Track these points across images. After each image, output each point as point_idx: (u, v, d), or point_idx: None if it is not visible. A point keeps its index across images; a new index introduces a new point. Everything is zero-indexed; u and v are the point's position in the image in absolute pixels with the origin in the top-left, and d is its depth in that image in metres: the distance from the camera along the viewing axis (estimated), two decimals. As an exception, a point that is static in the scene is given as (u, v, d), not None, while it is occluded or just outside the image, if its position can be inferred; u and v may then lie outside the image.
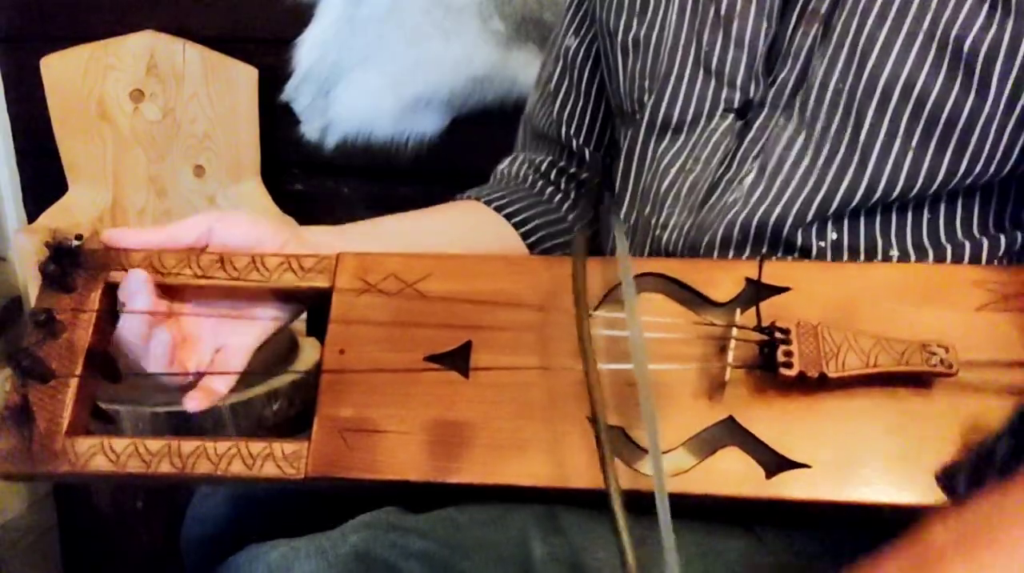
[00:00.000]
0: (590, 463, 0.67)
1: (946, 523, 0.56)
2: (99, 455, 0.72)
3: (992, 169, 0.78)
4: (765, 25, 0.84)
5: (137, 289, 0.75)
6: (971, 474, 0.64)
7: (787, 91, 0.83)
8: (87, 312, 0.76)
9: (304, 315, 1.06)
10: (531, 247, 1.00)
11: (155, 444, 0.72)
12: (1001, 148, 0.78)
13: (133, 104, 1.86)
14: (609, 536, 0.63)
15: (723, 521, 0.73)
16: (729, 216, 0.83)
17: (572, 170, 1.05)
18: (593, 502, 0.66)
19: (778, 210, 0.81)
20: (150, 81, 1.85)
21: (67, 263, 0.77)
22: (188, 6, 1.86)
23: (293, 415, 1.60)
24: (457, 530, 0.69)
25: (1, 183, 2.03)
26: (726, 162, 0.85)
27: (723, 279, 0.75)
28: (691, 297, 0.75)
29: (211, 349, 0.79)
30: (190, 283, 0.77)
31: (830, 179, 0.80)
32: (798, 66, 0.82)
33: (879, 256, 0.81)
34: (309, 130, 1.81)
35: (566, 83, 1.04)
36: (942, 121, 0.77)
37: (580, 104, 1.04)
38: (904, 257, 0.81)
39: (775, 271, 0.75)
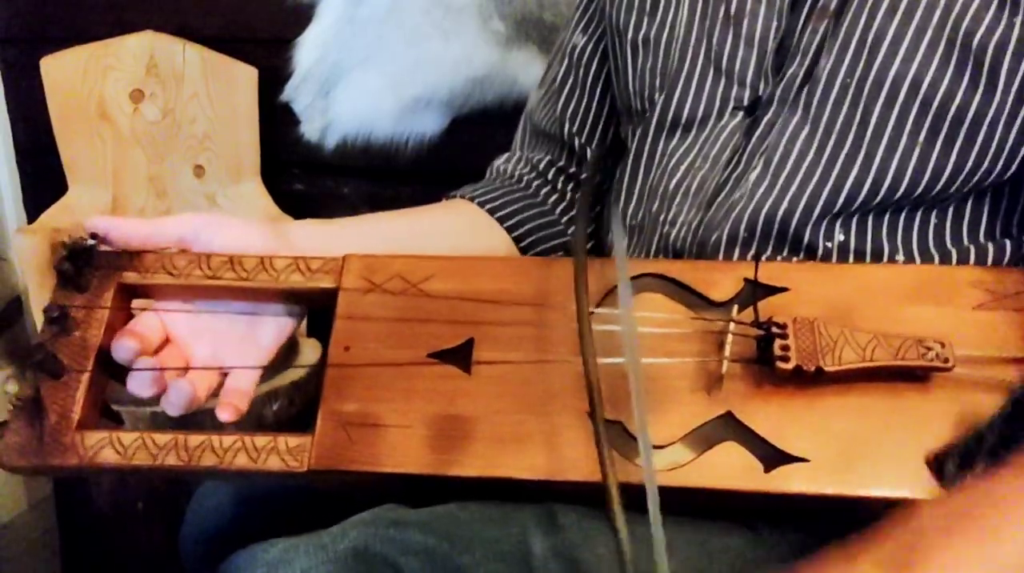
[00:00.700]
0: (589, 456, 0.67)
1: (932, 508, 0.57)
2: (107, 448, 0.74)
3: (999, 167, 0.79)
4: (775, 23, 0.85)
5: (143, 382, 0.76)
6: (961, 459, 0.65)
7: (795, 86, 0.83)
8: (100, 311, 0.77)
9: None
10: (523, 250, 1.00)
11: (162, 437, 0.74)
12: (1009, 145, 0.78)
13: (133, 104, 1.86)
14: (609, 533, 0.63)
15: (722, 518, 0.73)
16: (736, 213, 0.83)
17: (571, 170, 1.05)
18: (593, 498, 0.67)
19: (784, 205, 0.81)
20: (150, 81, 1.85)
21: (81, 262, 0.78)
22: (188, 6, 1.87)
23: (293, 415, 1.61)
24: (457, 525, 0.70)
25: (1, 183, 2.03)
26: (734, 160, 0.86)
27: (721, 279, 0.76)
28: (689, 297, 0.76)
29: (216, 372, 0.79)
30: (201, 284, 0.78)
31: (836, 173, 0.81)
32: (807, 61, 0.83)
33: (885, 260, 0.81)
34: (309, 130, 1.81)
35: (571, 81, 1.05)
36: (949, 117, 0.78)
37: (584, 102, 1.04)
38: (910, 261, 0.81)
39: (773, 272, 0.76)
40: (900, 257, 0.81)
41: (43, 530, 1.91)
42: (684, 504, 0.70)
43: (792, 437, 0.69)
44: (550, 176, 1.05)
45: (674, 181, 0.89)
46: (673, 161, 0.90)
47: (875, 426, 0.69)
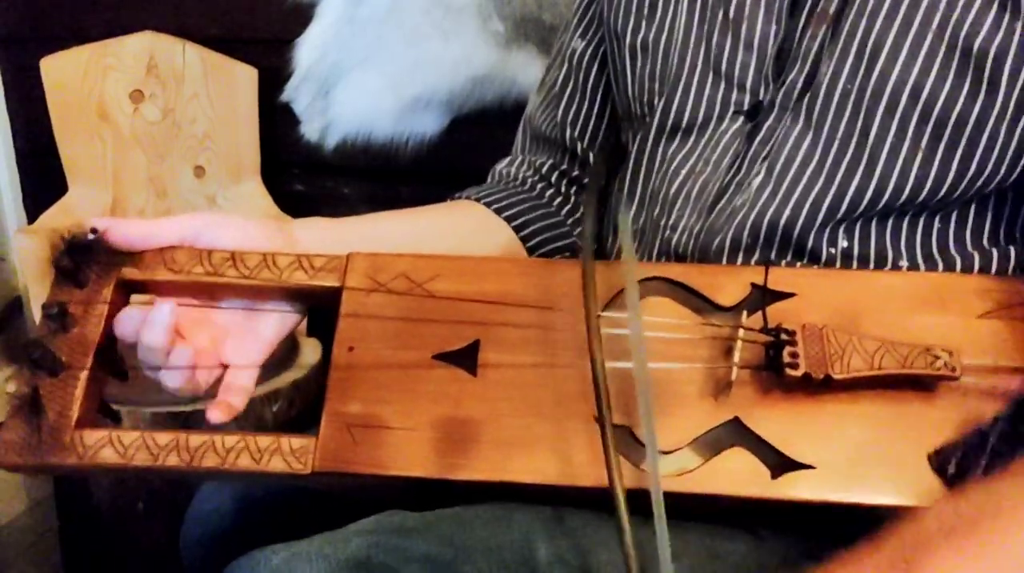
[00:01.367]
0: (596, 461, 0.67)
1: (935, 513, 0.57)
2: (107, 447, 0.73)
3: (1002, 172, 0.78)
4: (774, 27, 0.85)
5: (162, 317, 0.75)
6: (963, 457, 0.65)
7: (796, 92, 0.83)
8: (99, 307, 0.77)
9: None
10: (530, 251, 1.00)
11: (163, 437, 0.73)
12: (1011, 151, 0.78)
13: (133, 104, 1.86)
14: (614, 538, 0.63)
15: (728, 524, 0.73)
16: (738, 219, 0.83)
17: (574, 173, 1.04)
18: (598, 503, 0.67)
19: (787, 212, 0.81)
20: (150, 81, 1.85)
21: (81, 258, 0.77)
22: (188, 6, 1.86)
23: (293, 416, 1.60)
24: (461, 530, 0.70)
25: (1, 183, 2.03)
26: (736, 164, 0.85)
27: (729, 284, 0.76)
28: (697, 301, 0.76)
29: (217, 366, 0.79)
30: (202, 280, 0.78)
31: (839, 180, 0.80)
32: (807, 67, 0.83)
33: (888, 266, 0.81)
34: (309, 130, 1.81)
35: (571, 85, 1.04)
36: (951, 123, 0.77)
37: (585, 107, 1.04)
38: (914, 267, 0.81)
39: (780, 278, 0.75)
40: (904, 263, 0.81)
41: (43, 530, 1.91)
42: (691, 509, 0.70)
43: (799, 444, 0.68)
44: (553, 179, 1.05)
45: (675, 186, 0.89)
46: (674, 166, 0.89)
47: (882, 434, 0.69)
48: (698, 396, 0.71)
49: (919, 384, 0.70)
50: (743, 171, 0.85)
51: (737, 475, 0.68)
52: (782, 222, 0.82)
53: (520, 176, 1.06)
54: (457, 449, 0.71)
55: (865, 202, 0.80)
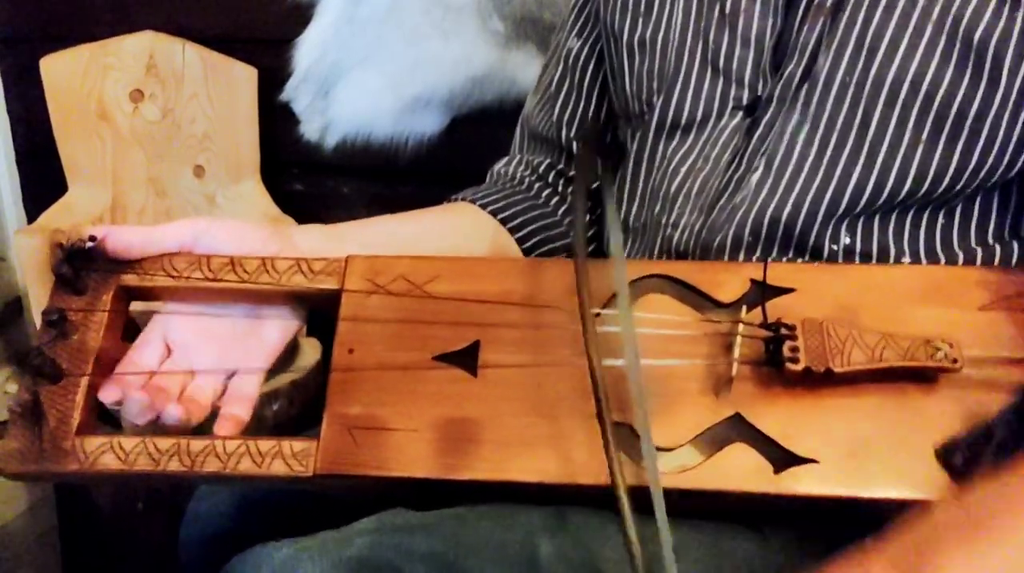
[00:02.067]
0: (597, 459, 0.67)
1: (944, 510, 0.57)
2: (108, 453, 0.73)
3: (1004, 164, 0.78)
4: (771, 21, 0.85)
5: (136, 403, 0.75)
6: (969, 451, 0.65)
7: (793, 85, 0.83)
8: (99, 314, 0.77)
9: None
10: (526, 252, 1.00)
11: (164, 442, 0.73)
12: (1013, 142, 0.78)
13: (133, 104, 1.85)
14: (617, 535, 0.63)
15: (731, 521, 0.73)
16: (739, 216, 0.83)
17: (571, 173, 1.04)
18: (600, 501, 0.66)
19: (788, 207, 0.81)
20: (150, 81, 1.84)
21: (80, 265, 0.77)
22: (188, 6, 1.86)
23: (293, 415, 1.60)
24: (463, 528, 0.70)
25: (1, 183, 2.03)
26: (735, 161, 0.85)
27: (728, 280, 0.76)
28: (696, 298, 0.76)
29: (221, 379, 0.79)
30: (201, 286, 0.78)
31: (839, 174, 0.80)
32: (804, 60, 0.82)
33: (891, 262, 0.81)
34: (309, 130, 1.81)
35: (567, 85, 1.04)
36: (951, 115, 0.77)
37: (581, 106, 1.04)
38: (916, 263, 0.81)
39: (780, 273, 0.75)
40: (906, 259, 0.81)
41: (43, 530, 1.91)
42: (694, 506, 0.70)
43: (801, 438, 0.68)
44: (550, 179, 1.05)
45: (675, 183, 0.88)
46: (674, 163, 0.89)
47: (884, 427, 0.69)
48: (699, 392, 0.72)
49: (920, 376, 0.70)
50: (743, 167, 0.84)
51: (739, 471, 0.68)
52: (783, 218, 0.81)
53: (518, 176, 1.06)
54: (458, 449, 0.71)
55: (866, 196, 0.80)
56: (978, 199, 0.81)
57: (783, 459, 0.68)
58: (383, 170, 1.82)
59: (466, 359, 0.74)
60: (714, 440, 0.70)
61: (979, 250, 0.81)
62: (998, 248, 0.81)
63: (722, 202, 0.85)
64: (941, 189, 0.79)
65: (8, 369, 1.92)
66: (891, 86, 0.78)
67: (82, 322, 0.76)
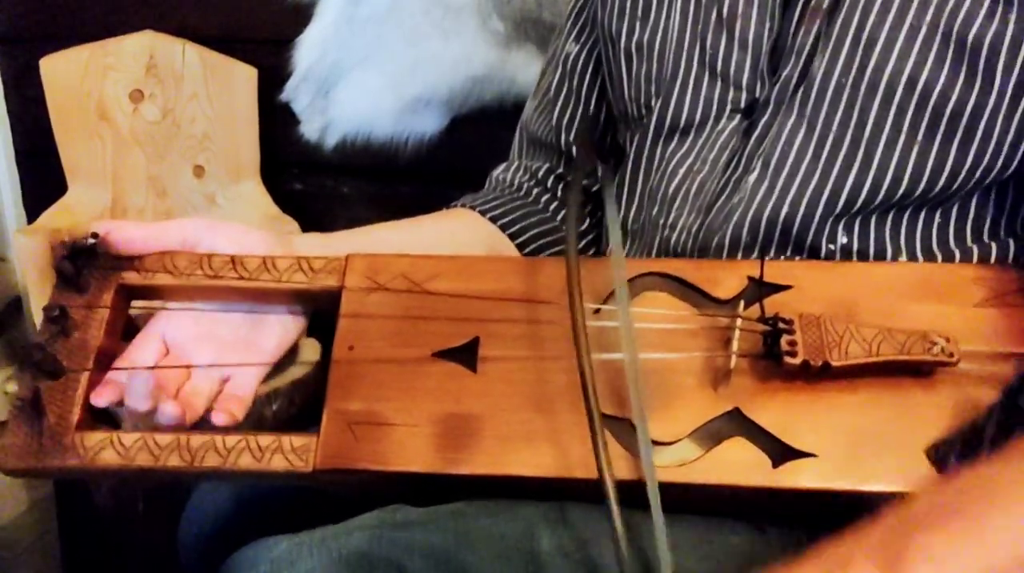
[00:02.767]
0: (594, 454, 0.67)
1: (925, 497, 0.58)
2: (108, 449, 0.73)
3: (1000, 163, 0.79)
4: (768, 24, 0.85)
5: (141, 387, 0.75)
6: (962, 449, 0.66)
7: (790, 88, 0.83)
8: (99, 311, 0.77)
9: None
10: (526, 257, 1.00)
11: (164, 438, 0.73)
12: (1008, 141, 0.78)
13: (132, 104, 1.85)
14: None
15: (728, 517, 0.74)
16: (736, 217, 0.83)
17: (571, 177, 1.05)
18: (599, 495, 0.66)
19: (785, 208, 0.81)
20: (149, 81, 1.84)
21: (81, 262, 0.78)
22: (188, 6, 1.86)
23: (293, 414, 1.60)
24: (463, 522, 0.70)
25: (1, 183, 2.03)
26: (733, 162, 0.86)
27: (726, 278, 0.76)
28: (694, 295, 0.76)
29: (217, 379, 0.79)
30: (202, 284, 0.78)
31: (835, 174, 0.81)
32: (801, 62, 0.83)
33: (888, 261, 0.81)
34: (309, 130, 1.81)
35: (565, 90, 1.05)
36: (947, 115, 0.78)
37: (580, 111, 1.04)
38: (913, 261, 0.81)
39: (777, 270, 0.76)
40: (904, 258, 0.81)
41: (43, 530, 1.91)
42: (692, 501, 0.70)
43: (799, 432, 0.69)
44: (549, 184, 1.05)
45: (673, 185, 0.89)
46: (672, 165, 0.90)
47: (881, 421, 0.69)
48: (697, 387, 0.72)
49: (917, 371, 0.70)
50: (740, 169, 0.85)
51: (738, 465, 0.68)
52: (780, 219, 0.82)
53: (516, 182, 1.06)
54: (458, 444, 0.71)
55: (863, 196, 0.80)
56: (974, 198, 0.81)
57: (781, 453, 0.68)
58: (383, 170, 1.82)
59: (466, 355, 0.75)
60: (712, 434, 0.70)
61: (975, 248, 0.81)
62: (994, 246, 0.81)
63: (719, 203, 0.85)
64: (937, 189, 0.79)
65: (8, 369, 1.92)
66: (887, 87, 0.79)
67: (83, 319, 0.77)
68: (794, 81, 0.83)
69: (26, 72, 1.90)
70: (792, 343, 0.69)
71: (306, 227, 1.78)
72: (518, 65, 1.66)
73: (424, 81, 1.70)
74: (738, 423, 0.70)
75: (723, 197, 0.85)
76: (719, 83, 0.87)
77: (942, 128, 0.78)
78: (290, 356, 1.69)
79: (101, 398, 0.74)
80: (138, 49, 1.84)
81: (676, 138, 0.90)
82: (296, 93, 1.79)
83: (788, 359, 0.69)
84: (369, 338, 0.76)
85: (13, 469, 0.73)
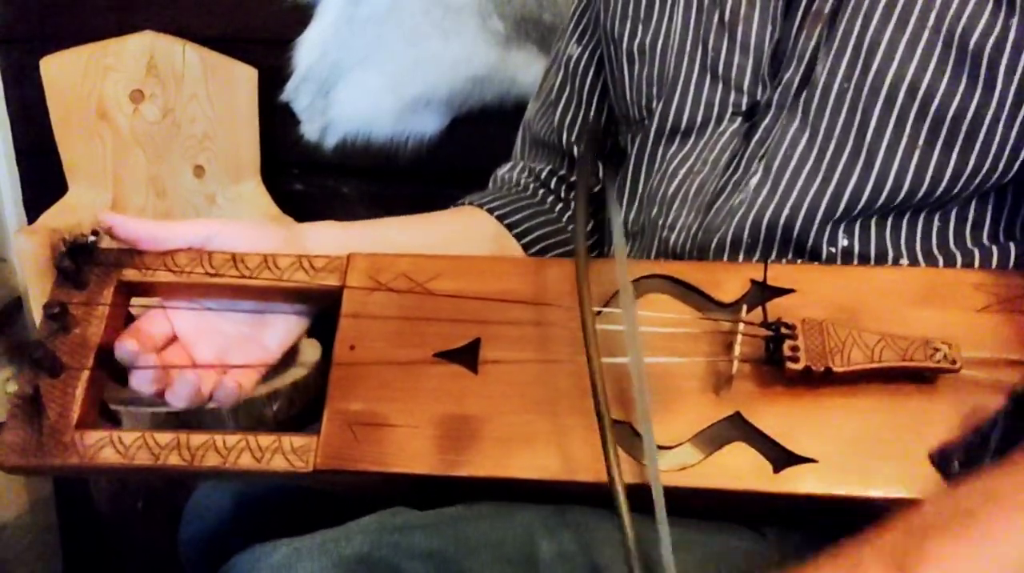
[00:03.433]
0: (597, 457, 0.67)
1: (934, 504, 0.58)
2: (108, 447, 0.73)
3: (1001, 168, 0.79)
4: (769, 28, 0.85)
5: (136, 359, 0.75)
6: (965, 455, 0.66)
7: (792, 91, 0.83)
8: (99, 308, 0.77)
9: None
10: (532, 256, 1.00)
11: (164, 437, 0.73)
12: (1009, 146, 0.78)
13: (133, 105, 1.85)
14: (616, 533, 0.63)
15: (730, 521, 0.73)
16: (737, 218, 0.83)
17: (573, 178, 1.05)
18: (600, 498, 0.66)
19: (786, 211, 0.81)
20: (150, 82, 1.84)
21: (81, 259, 0.77)
22: (188, 6, 1.86)
23: (294, 415, 1.60)
24: (463, 526, 0.70)
25: (1, 183, 2.02)
26: (733, 164, 0.86)
27: (728, 281, 0.76)
28: (697, 298, 0.76)
29: (218, 374, 0.78)
30: (202, 282, 0.78)
31: (837, 178, 0.81)
32: (803, 67, 0.83)
33: (889, 264, 0.81)
34: (309, 130, 1.81)
35: (567, 91, 1.05)
36: (948, 119, 0.78)
37: (582, 112, 1.04)
38: (914, 265, 0.81)
39: (779, 274, 0.76)
40: (904, 261, 0.81)
41: (43, 530, 1.90)
42: (693, 505, 0.70)
43: (800, 438, 0.69)
44: (552, 185, 1.05)
45: (673, 186, 0.89)
46: (672, 167, 0.90)
47: (882, 427, 0.69)
48: (699, 391, 0.72)
49: (919, 377, 0.70)
50: (740, 170, 0.85)
51: (739, 469, 0.68)
52: (781, 221, 0.82)
53: (521, 182, 1.06)
54: (459, 446, 0.71)
55: (864, 200, 0.80)
56: (974, 201, 0.81)
57: (782, 458, 0.68)
58: (383, 170, 1.82)
59: (467, 356, 0.75)
60: (714, 438, 0.70)
61: (976, 251, 0.81)
62: (995, 249, 0.81)
63: (718, 204, 0.85)
64: (938, 193, 0.79)
65: (8, 369, 1.92)
66: (888, 91, 0.79)
67: (83, 316, 0.76)
68: (796, 85, 0.83)
69: (26, 72, 1.90)
70: (794, 348, 0.69)
71: (306, 228, 1.77)
72: (518, 65, 1.66)
73: (424, 81, 1.70)
74: (739, 428, 0.70)
75: (722, 197, 0.85)
76: (720, 86, 0.87)
77: (943, 133, 0.78)
78: (290, 357, 1.70)
79: (122, 347, 0.74)
80: (138, 49, 1.84)
81: (677, 140, 0.90)
82: (296, 93, 1.79)
83: (790, 365, 0.69)
84: (370, 338, 0.76)
85: (13, 467, 0.73)
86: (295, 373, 1.63)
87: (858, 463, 0.67)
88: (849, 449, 0.68)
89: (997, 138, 0.78)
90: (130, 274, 0.78)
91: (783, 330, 0.71)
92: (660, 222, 0.89)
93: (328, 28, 1.73)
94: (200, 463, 0.72)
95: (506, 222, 1.00)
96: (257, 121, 1.83)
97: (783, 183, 0.82)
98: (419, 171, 1.79)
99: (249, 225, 0.81)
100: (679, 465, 0.69)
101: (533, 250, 1.00)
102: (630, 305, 0.70)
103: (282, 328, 0.81)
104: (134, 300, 0.81)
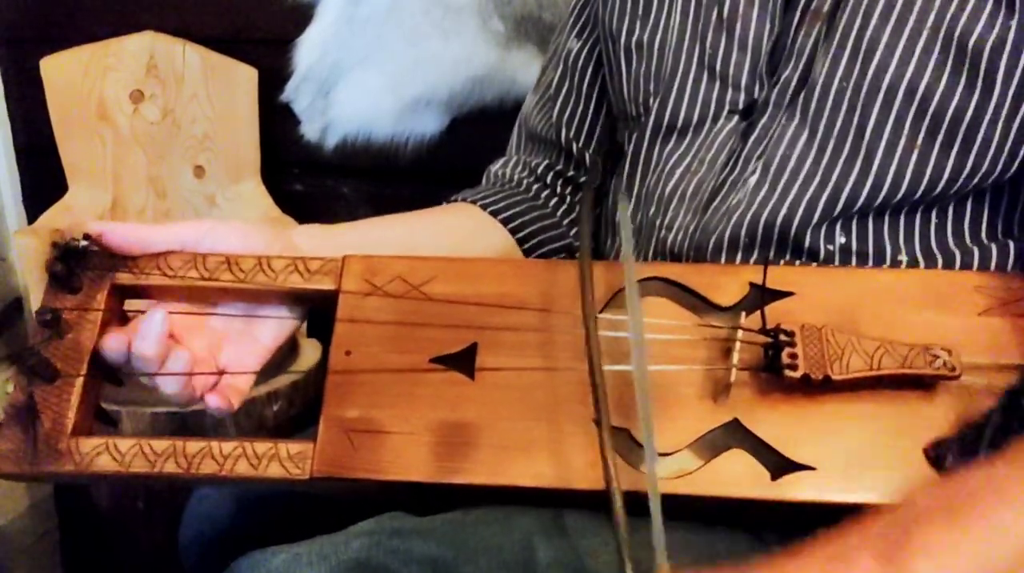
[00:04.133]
0: (594, 464, 0.67)
1: (927, 492, 0.58)
2: (104, 455, 0.72)
3: (999, 167, 0.78)
4: (768, 26, 0.85)
5: (155, 327, 0.74)
6: (960, 450, 0.65)
7: (790, 90, 0.83)
8: (93, 312, 0.76)
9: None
10: (526, 253, 1.00)
11: (160, 444, 0.73)
12: (1007, 146, 0.78)
13: (133, 105, 1.85)
14: (614, 539, 0.63)
15: (728, 526, 0.73)
16: (735, 217, 0.83)
17: (570, 174, 1.04)
18: (598, 504, 0.66)
19: (784, 210, 0.81)
20: (150, 82, 1.84)
21: (74, 263, 0.77)
22: (188, 6, 1.86)
23: (293, 415, 1.60)
24: (461, 531, 0.69)
25: (1, 183, 2.02)
26: (731, 163, 0.85)
27: (727, 283, 0.76)
28: (695, 301, 0.76)
29: (213, 369, 0.78)
30: (197, 285, 0.77)
31: (835, 178, 0.80)
32: (801, 65, 0.83)
33: (887, 262, 0.81)
34: (309, 130, 1.81)
35: (566, 86, 1.04)
36: (947, 119, 0.78)
37: (580, 107, 1.04)
38: (913, 263, 0.81)
39: (779, 276, 0.75)
40: (903, 259, 0.81)
41: (43, 530, 1.91)
42: (691, 512, 0.69)
43: (799, 445, 0.68)
44: (549, 180, 1.05)
45: (670, 185, 0.89)
46: (669, 165, 0.89)
47: (882, 434, 0.68)
48: (697, 398, 0.71)
49: (919, 383, 0.70)
50: (738, 169, 0.85)
51: (737, 477, 0.68)
52: (779, 220, 0.81)
53: (515, 177, 1.06)
54: (456, 453, 0.71)
55: (862, 199, 0.80)
56: (972, 199, 0.81)
57: (780, 465, 0.68)
58: (383, 170, 1.82)
59: (463, 362, 0.74)
60: (712, 445, 0.70)
61: (975, 249, 0.81)
62: (993, 247, 0.81)
63: (716, 203, 0.85)
64: (936, 191, 0.79)
65: (8, 370, 1.92)
66: (887, 91, 0.78)
67: (76, 321, 0.76)
68: (794, 84, 0.83)
69: (26, 72, 1.90)
70: (793, 356, 0.69)
71: (306, 228, 1.77)
72: (518, 65, 1.66)
73: (424, 81, 1.70)
74: (737, 435, 0.70)
75: (720, 197, 0.85)
76: (718, 83, 0.87)
77: (941, 133, 0.78)
78: (290, 357, 1.70)
79: (111, 345, 0.74)
80: (138, 49, 1.84)
81: (674, 138, 0.90)
82: (296, 93, 1.79)
83: (789, 372, 0.69)
84: (366, 344, 0.76)
85: (7, 474, 0.73)
86: (295, 373, 1.62)
87: (857, 470, 0.67)
88: (848, 456, 0.68)
89: (995, 138, 0.77)
90: (123, 278, 0.78)
91: (782, 337, 0.70)
92: (658, 222, 0.89)
93: (328, 28, 1.73)
94: (196, 470, 0.72)
95: (501, 217, 0.99)
96: (257, 121, 1.83)
97: (781, 182, 0.82)
98: (419, 171, 1.79)
99: (239, 225, 0.81)
100: (677, 472, 0.69)
101: (528, 245, 1.00)
102: (638, 321, 0.70)
103: (275, 323, 0.81)
104: (127, 303, 0.81)
